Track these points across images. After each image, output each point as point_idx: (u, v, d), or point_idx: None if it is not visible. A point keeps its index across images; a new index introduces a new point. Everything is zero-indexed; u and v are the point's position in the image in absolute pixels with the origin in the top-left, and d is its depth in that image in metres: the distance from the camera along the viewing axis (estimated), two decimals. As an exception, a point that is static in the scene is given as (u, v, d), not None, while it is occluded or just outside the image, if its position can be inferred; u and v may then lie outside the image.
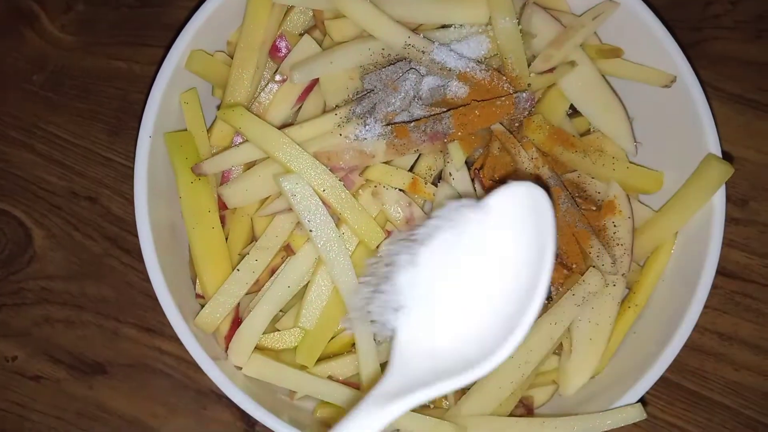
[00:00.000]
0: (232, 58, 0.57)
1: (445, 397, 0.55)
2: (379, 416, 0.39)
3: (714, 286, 0.54)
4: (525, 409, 0.56)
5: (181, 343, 0.51)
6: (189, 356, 0.51)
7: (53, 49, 0.73)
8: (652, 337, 0.56)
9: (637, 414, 0.51)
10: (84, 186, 0.69)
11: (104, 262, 0.67)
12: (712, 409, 0.65)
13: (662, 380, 0.53)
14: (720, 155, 0.55)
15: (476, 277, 0.44)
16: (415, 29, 0.56)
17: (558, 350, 0.57)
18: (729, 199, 0.56)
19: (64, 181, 0.69)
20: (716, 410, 0.65)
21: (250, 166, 0.56)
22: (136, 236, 0.53)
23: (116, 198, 0.69)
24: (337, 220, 0.53)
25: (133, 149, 0.54)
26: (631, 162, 0.59)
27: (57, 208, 0.69)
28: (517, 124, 0.55)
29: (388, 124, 0.52)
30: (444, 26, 0.57)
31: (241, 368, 0.54)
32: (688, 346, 0.54)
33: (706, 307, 0.54)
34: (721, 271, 0.58)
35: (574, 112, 0.60)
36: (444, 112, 0.53)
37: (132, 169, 0.54)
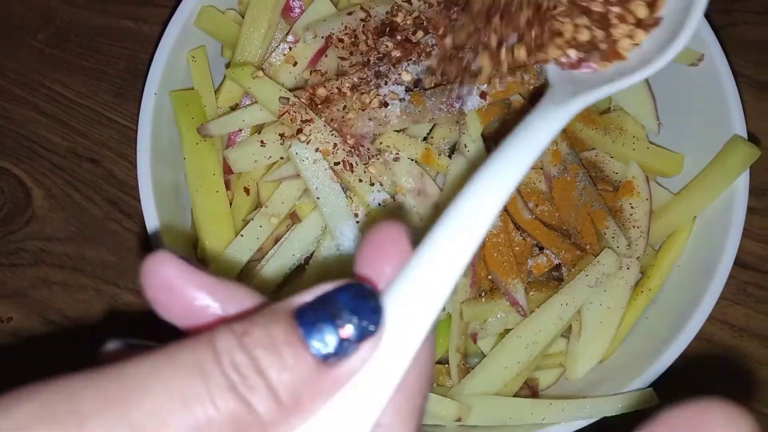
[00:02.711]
0: (243, 17, 0.55)
1: (449, 375, 0.53)
2: (560, 113, 0.36)
3: (728, 276, 0.52)
4: (530, 390, 0.55)
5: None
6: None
7: (60, 5, 0.71)
8: (664, 323, 0.54)
9: (650, 399, 0.49)
10: (86, 147, 0.68)
11: (105, 226, 0.66)
12: (719, 401, 0.64)
13: (668, 368, 0.52)
14: (746, 137, 0.53)
15: None
16: (435, -6, 0.54)
17: (566, 333, 0.55)
18: (747, 187, 0.54)
19: (67, 141, 0.68)
20: (723, 402, 0.64)
21: (258, 129, 0.54)
22: (139, 201, 0.51)
23: (119, 161, 0.68)
24: (346, 189, 0.51)
25: (138, 112, 0.53)
26: (651, 142, 0.58)
27: (58, 169, 0.68)
28: (537, 97, 0.53)
29: (405, 91, 0.50)
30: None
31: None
32: (697, 336, 0.53)
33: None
34: (735, 261, 0.56)
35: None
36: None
37: (136, 131, 0.52)
